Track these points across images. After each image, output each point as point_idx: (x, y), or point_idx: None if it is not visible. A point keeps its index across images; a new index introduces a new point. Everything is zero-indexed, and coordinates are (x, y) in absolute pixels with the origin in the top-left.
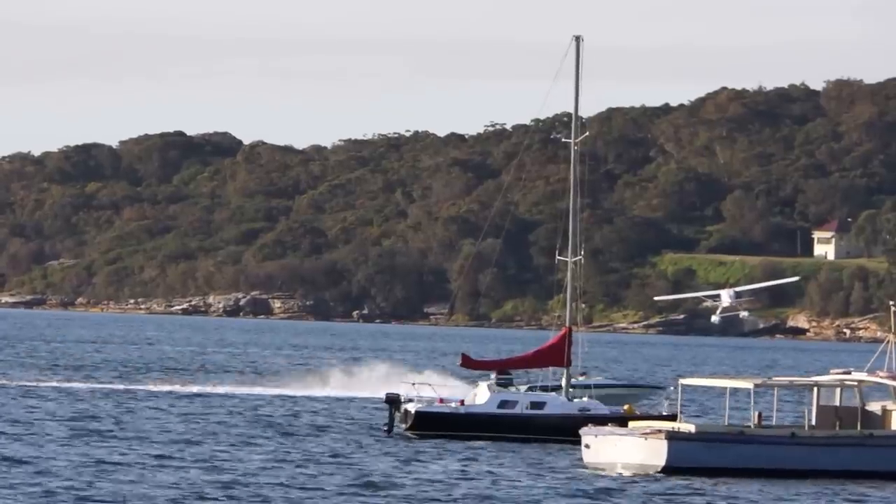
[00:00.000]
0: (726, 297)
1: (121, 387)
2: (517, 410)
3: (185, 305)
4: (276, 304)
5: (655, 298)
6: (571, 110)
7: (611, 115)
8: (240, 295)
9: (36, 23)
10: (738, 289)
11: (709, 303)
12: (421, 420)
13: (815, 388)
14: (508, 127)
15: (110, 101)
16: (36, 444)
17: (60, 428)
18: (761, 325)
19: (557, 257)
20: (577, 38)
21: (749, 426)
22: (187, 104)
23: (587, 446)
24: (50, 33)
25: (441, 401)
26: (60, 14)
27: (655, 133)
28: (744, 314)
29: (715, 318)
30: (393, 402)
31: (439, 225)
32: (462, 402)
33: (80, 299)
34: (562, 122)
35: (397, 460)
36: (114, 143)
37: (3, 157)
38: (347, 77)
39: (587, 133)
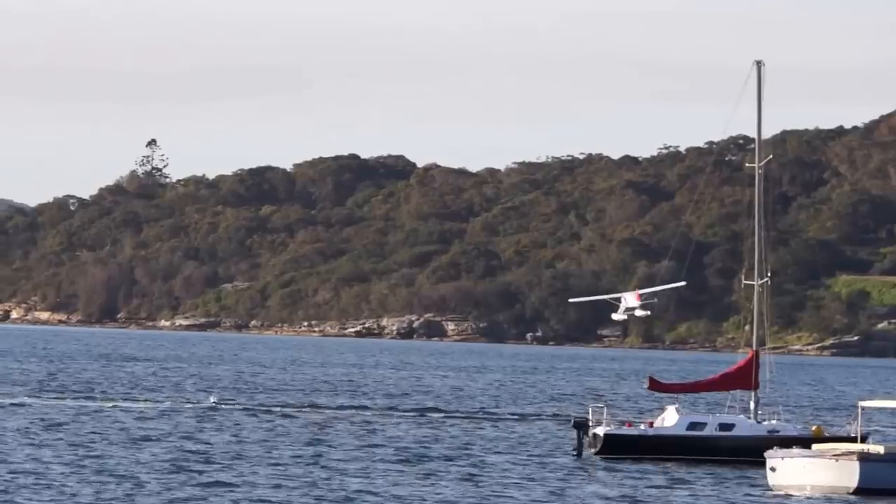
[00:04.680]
0: (630, 297)
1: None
2: (706, 432)
3: (358, 328)
4: (450, 327)
5: (570, 300)
6: (746, 133)
7: (785, 137)
8: (413, 317)
9: (207, 47)
10: (641, 291)
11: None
12: (610, 443)
13: None
14: (682, 149)
15: (284, 125)
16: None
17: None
18: None
19: (743, 281)
20: (759, 63)
21: None
22: (361, 127)
23: (773, 469)
24: (223, 58)
25: (629, 424)
26: (233, 39)
27: (829, 155)
28: (642, 313)
29: (616, 316)
30: (581, 426)
31: (613, 247)
32: (650, 425)
33: (253, 322)
34: (736, 144)
35: (589, 484)
36: (288, 167)
37: (178, 181)
38: (520, 99)
39: (770, 156)
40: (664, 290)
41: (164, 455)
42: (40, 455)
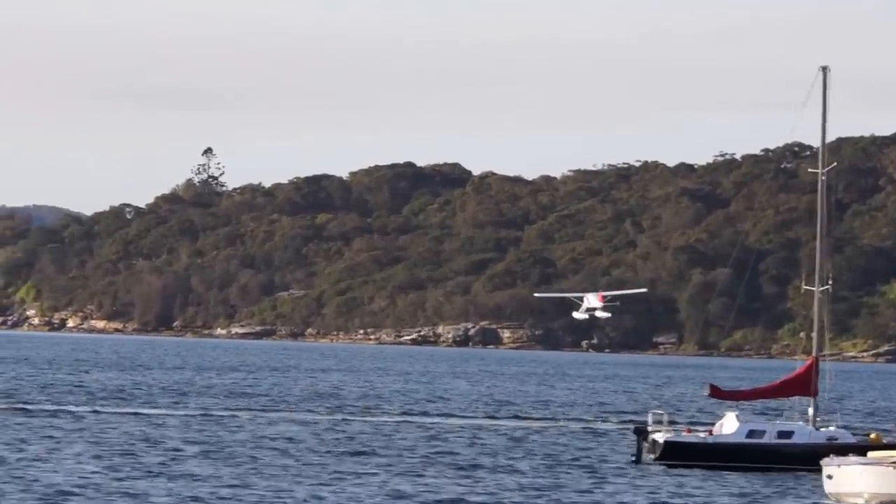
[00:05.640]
0: (593, 298)
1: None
2: (765, 440)
3: (414, 335)
4: (506, 334)
5: (535, 294)
6: (801, 140)
7: (840, 144)
8: (469, 325)
9: (264, 56)
10: (605, 293)
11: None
12: (669, 450)
13: None
14: (738, 157)
15: (340, 133)
16: None
17: None
18: None
19: (803, 286)
20: (824, 69)
21: None
22: (417, 135)
23: (829, 476)
24: (279, 67)
25: (688, 430)
26: (289, 49)
27: (885, 162)
28: (604, 315)
29: (577, 315)
30: (641, 432)
31: (668, 255)
32: (710, 432)
33: (309, 330)
34: (792, 151)
35: (650, 490)
36: (344, 175)
37: (234, 189)
38: (576, 107)
39: (835, 163)
40: (627, 294)
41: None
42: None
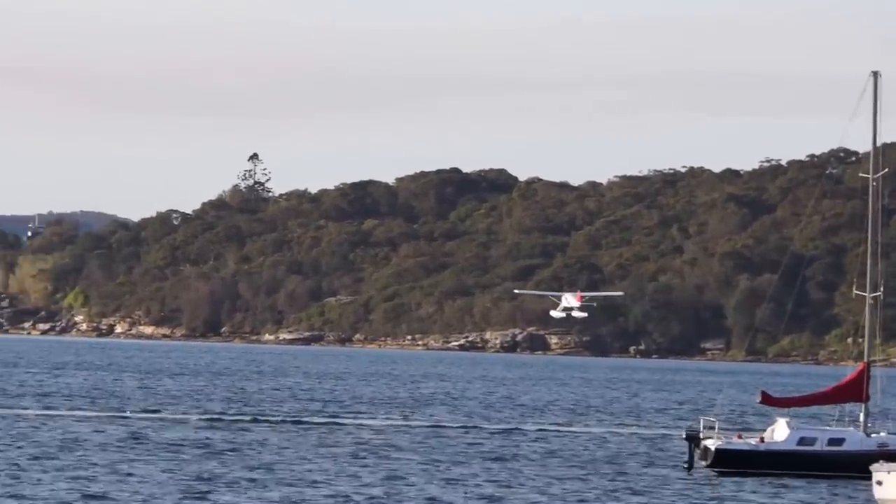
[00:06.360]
0: (571, 297)
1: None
2: (817, 447)
3: (461, 341)
4: (553, 340)
5: (515, 291)
6: (847, 146)
7: (885, 149)
8: (517, 331)
9: (309, 62)
10: (584, 293)
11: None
12: (721, 457)
13: None
14: (783, 162)
15: (386, 139)
16: None
17: None
18: None
19: (855, 291)
20: (875, 74)
21: None
22: (463, 141)
23: (879, 483)
24: (324, 73)
25: (739, 436)
26: (335, 54)
27: None
28: (580, 314)
29: (554, 313)
30: (693, 438)
31: (715, 260)
32: (761, 439)
33: (357, 335)
34: (837, 157)
35: (703, 498)
36: (390, 181)
37: (280, 195)
38: (622, 112)
39: (886, 169)
40: (605, 295)
41: None
42: None
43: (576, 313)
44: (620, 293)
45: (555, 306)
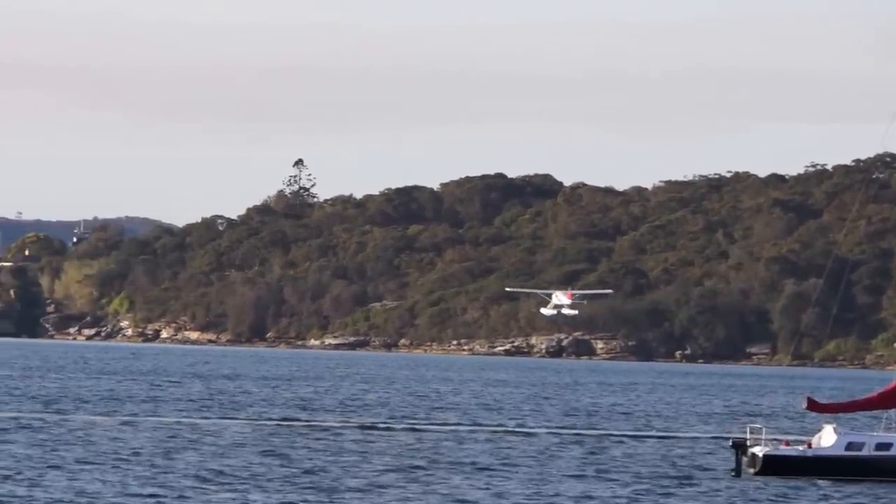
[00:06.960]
0: (562, 295)
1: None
2: (864, 452)
3: (507, 346)
4: (599, 345)
5: (507, 289)
6: (892, 150)
7: None
8: (562, 336)
9: (356, 67)
10: (575, 291)
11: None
12: (769, 464)
13: None
14: (829, 167)
15: (431, 144)
16: None
17: None
18: None
19: None
20: None
21: None
22: (508, 146)
23: None
24: (369, 78)
25: (786, 443)
26: (383, 59)
27: None
28: (571, 312)
29: (545, 311)
30: (740, 445)
31: (761, 265)
32: (809, 445)
33: (402, 341)
34: (883, 161)
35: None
36: (435, 186)
37: (326, 200)
38: (667, 117)
39: None
40: (596, 294)
41: None
42: None
43: (566, 311)
44: (609, 291)
45: (546, 304)
